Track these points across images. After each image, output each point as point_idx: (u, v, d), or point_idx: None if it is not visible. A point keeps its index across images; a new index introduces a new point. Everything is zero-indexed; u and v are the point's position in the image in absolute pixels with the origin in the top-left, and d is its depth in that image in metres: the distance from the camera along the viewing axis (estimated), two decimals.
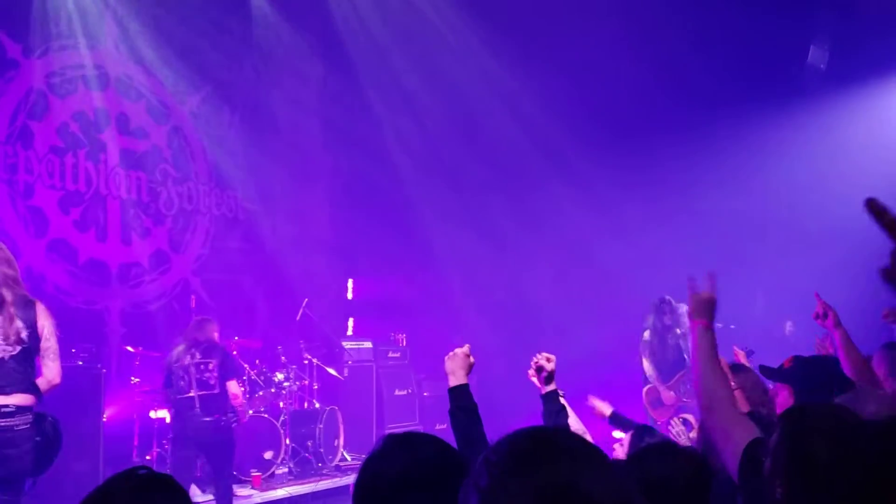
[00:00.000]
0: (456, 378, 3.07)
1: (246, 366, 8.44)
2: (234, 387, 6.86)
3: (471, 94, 10.86)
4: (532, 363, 3.36)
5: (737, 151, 10.28)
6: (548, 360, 3.34)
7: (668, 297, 8.30)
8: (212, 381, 6.73)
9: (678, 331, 8.10)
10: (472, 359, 3.15)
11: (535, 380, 3.36)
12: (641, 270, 10.02)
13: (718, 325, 8.08)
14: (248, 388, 8.16)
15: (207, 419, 6.67)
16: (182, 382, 6.72)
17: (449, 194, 11.42)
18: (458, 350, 3.15)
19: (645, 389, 7.99)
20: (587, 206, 10.75)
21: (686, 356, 7.93)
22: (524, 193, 11.30)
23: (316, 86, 11.14)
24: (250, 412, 7.53)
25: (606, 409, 4.56)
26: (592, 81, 10.26)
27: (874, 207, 1.53)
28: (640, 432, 3.64)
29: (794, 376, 3.37)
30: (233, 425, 6.93)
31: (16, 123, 8.19)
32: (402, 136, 11.26)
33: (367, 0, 10.43)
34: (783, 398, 3.41)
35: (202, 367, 6.74)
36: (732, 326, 9.09)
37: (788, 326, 9.87)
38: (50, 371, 4.86)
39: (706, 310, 2.69)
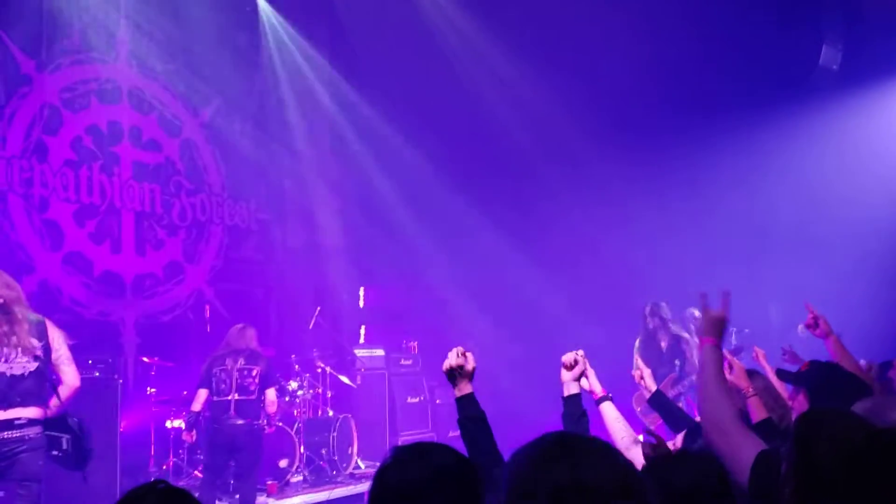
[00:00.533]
0: (459, 388, 2.99)
1: None
2: (272, 394, 7.12)
3: (481, 100, 10.89)
4: (565, 361, 3.33)
5: (747, 153, 10.26)
6: (575, 361, 3.32)
7: (657, 302, 8.32)
8: (252, 388, 6.99)
9: (672, 332, 8.11)
10: (471, 364, 3.00)
11: (569, 379, 3.28)
12: (654, 274, 10.02)
13: (732, 329, 8.08)
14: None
15: (240, 422, 6.91)
16: (223, 385, 6.97)
17: (460, 200, 11.45)
18: (451, 357, 3.00)
19: (635, 395, 8.01)
20: (599, 211, 10.76)
21: (677, 361, 7.95)
22: (536, 198, 11.32)
23: (326, 95, 11.21)
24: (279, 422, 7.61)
25: (652, 384, 4.40)
26: (601, 83, 10.25)
27: None
28: (694, 434, 3.55)
29: (809, 380, 3.39)
30: (265, 431, 7.19)
31: (31, 138, 8.29)
32: (413, 142, 11.30)
33: (375, 8, 10.47)
34: (800, 402, 3.43)
35: (245, 372, 7.00)
36: (747, 330, 9.10)
37: (801, 329, 9.82)
38: (68, 376, 5.12)
39: (716, 328, 2.69)
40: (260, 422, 7.09)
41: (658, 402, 4.31)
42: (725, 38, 9.51)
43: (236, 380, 6.99)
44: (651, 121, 10.41)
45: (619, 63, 9.87)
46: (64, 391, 5.03)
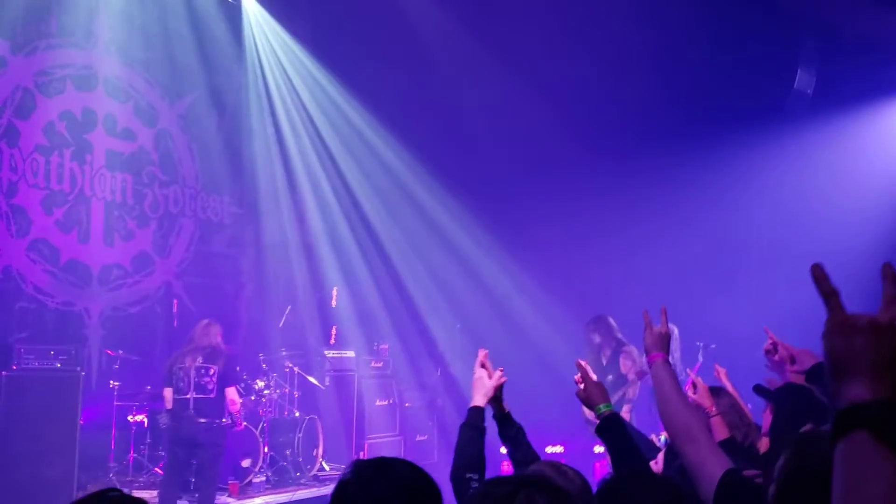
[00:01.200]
0: (474, 400, 3.08)
1: None
2: (232, 393, 7.07)
3: (462, 106, 10.86)
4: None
5: (724, 174, 10.32)
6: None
7: (602, 315, 8.26)
8: (210, 386, 6.92)
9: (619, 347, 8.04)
10: (494, 380, 3.09)
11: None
12: (628, 291, 10.04)
13: (699, 344, 8.07)
14: None
15: (201, 420, 6.87)
16: (181, 384, 6.93)
17: (435, 202, 11.42)
18: (482, 374, 3.11)
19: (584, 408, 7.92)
20: (573, 227, 10.79)
21: (629, 375, 7.92)
22: (511, 204, 11.31)
23: (306, 90, 11.09)
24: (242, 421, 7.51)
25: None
26: (578, 102, 10.28)
27: (817, 273, 1.52)
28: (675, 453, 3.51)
29: (781, 400, 3.42)
30: (226, 430, 7.12)
31: (1, 121, 8.11)
32: (391, 141, 11.24)
33: (358, 5, 10.38)
34: (768, 418, 3.46)
35: (202, 371, 6.93)
36: (713, 346, 9.13)
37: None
38: None
39: (663, 343, 2.72)
40: (223, 420, 7.01)
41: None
42: (702, 61, 9.57)
43: (193, 378, 6.94)
44: (628, 141, 10.50)
45: (597, 84, 9.90)
46: None
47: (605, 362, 8.07)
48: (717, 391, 3.93)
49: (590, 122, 10.42)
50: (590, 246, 10.82)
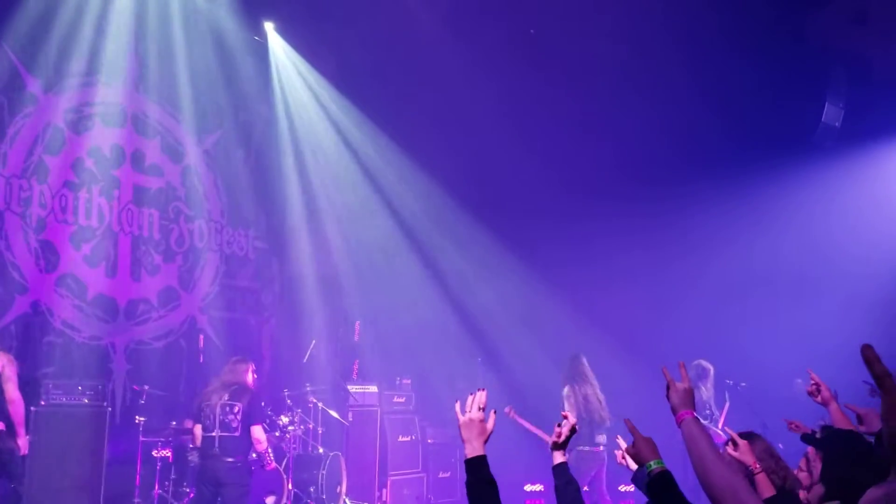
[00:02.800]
0: (472, 448, 2.78)
1: None
2: (257, 432, 6.99)
3: (484, 143, 10.91)
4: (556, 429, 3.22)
5: (751, 206, 10.31)
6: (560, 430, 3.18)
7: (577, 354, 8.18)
8: (234, 424, 6.89)
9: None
10: (490, 424, 2.86)
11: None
12: (653, 323, 10.00)
13: (728, 382, 8.04)
14: None
15: (226, 460, 6.85)
16: (208, 422, 6.94)
17: (457, 239, 11.43)
18: (472, 414, 2.85)
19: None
20: (599, 262, 10.76)
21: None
22: (535, 242, 11.30)
23: (331, 126, 11.19)
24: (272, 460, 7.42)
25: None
26: (608, 139, 10.36)
27: (867, 355, 1.47)
28: None
29: (830, 446, 3.34)
30: (252, 468, 7.08)
31: (32, 158, 8.22)
32: (415, 178, 11.30)
33: (382, 42, 10.49)
34: (817, 466, 3.37)
35: (227, 408, 6.90)
36: (743, 384, 9.03)
37: (798, 385, 9.75)
38: None
39: (688, 400, 2.59)
40: (246, 459, 6.99)
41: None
42: (732, 93, 9.60)
43: (219, 416, 6.91)
44: (657, 171, 10.48)
45: (627, 120, 9.96)
46: None
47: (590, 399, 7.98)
48: (749, 437, 3.85)
49: (619, 151, 10.45)
50: (614, 276, 10.78)
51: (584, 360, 8.12)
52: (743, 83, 9.56)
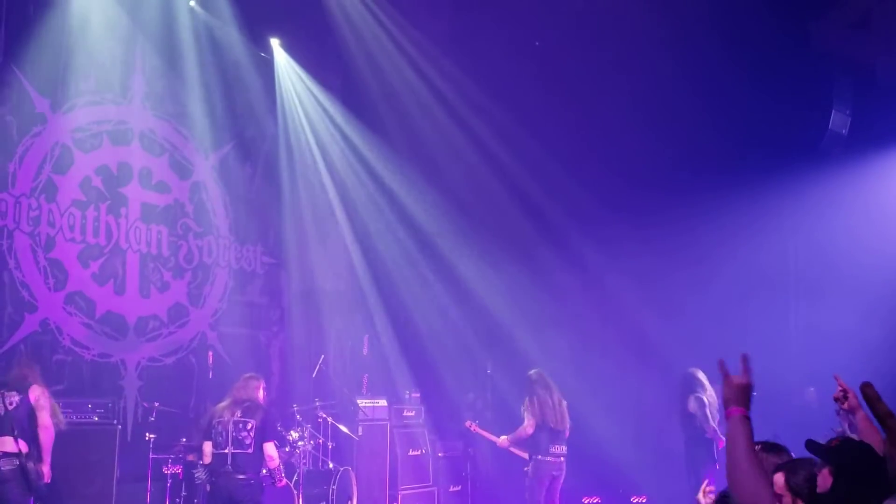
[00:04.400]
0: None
1: None
2: (270, 449, 6.98)
3: (488, 154, 10.96)
4: None
5: (758, 213, 10.30)
6: None
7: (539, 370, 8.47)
8: (247, 441, 6.88)
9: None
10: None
11: None
12: (661, 328, 10.02)
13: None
14: None
15: (239, 477, 6.85)
16: (220, 438, 6.92)
17: (465, 251, 11.44)
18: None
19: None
20: (612, 269, 10.76)
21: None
22: (546, 251, 11.29)
23: (337, 141, 11.23)
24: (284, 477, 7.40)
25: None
26: (615, 147, 10.38)
27: (868, 394, 1.43)
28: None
29: (840, 458, 3.23)
30: (264, 485, 7.06)
31: (40, 177, 8.26)
32: (420, 191, 11.33)
33: (386, 55, 10.55)
34: (824, 477, 3.28)
35: (241, 425, 6.88)
36: (754, 393, 8.96)
37: (811, 393, 9.70)
38: None
39: (743, 396, 2.43)
40: (258, 476, 6.97)
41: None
42: (737, 103, 9.61)
43: (231, 433, 6.89)
44: (663, 178, 10.47)
45: (635, 127, 9.98)
46: None
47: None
48: (773, 447, 3.75)
49: (629, 167, 10.49)
50: (624, 281, 10.79)
51: (544, 373, 8.43)
52: (750, 92, 9.58)
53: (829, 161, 9.96)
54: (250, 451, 6.87)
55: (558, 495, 8.25)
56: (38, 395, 6.40)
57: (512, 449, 8.61)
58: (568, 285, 11.27)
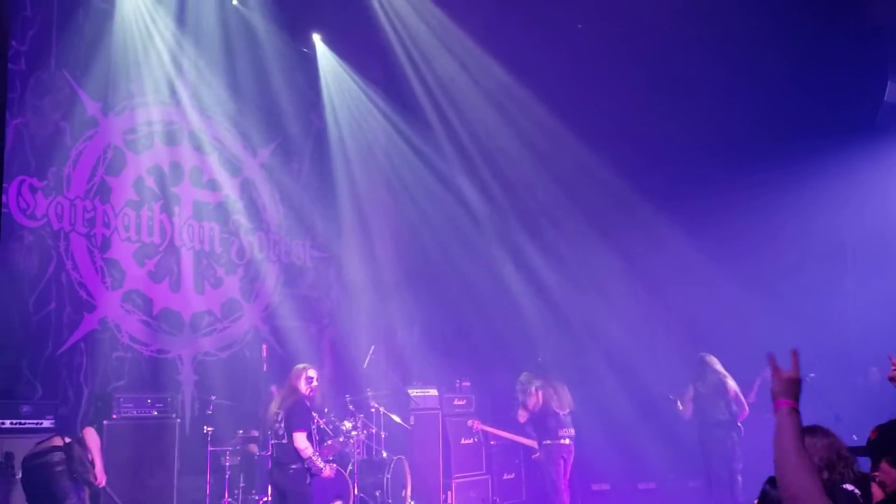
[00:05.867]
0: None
1: (315, 414, 8.44)
2: (298, 440, 6.93)
3: (531, 144, 10.93)
4: None
5: (814, 188, 10.11)
6: None
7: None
8: (280, 431, 6.98)
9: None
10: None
11: None
12: (720, 313, 9.94)
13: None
14: (317, 437, 8.15)
15: (280, 467, 6.95)
16: (266, 430, 7.09)
17: (514, 238, 11.42)
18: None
19: None
20: (658, 253, 10.64)
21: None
22: (591, 240, 11.22)
23: (382, 132, 11.30)
24: (324, 465, 7.29)
25: None
26: (665, 130, 10.28)
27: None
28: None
29: (886, 446, 3.14)
30: (306, 475, 7.04)
31: (94, 179, 8.48)
32: (467, 178, 11.33)
33: (430, 51, 10.57)
34: (886, 472, 3.19)
35: (276, 416, 6.99)
36: (812, 375, 8.81)
37: (874, 373, 9.46)
38: None
39: (793, 389, 2.45)
40: (297, 465, 6.96)
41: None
42: (789, 80, 9.43)
43: (271, 424, 7.01)
44: (716, 158, 10.35)
45: (689, 100, 9.85)
46: None
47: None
48: (813, 430, 3.69)
49: (677, 137, 10.39)
50: (676, 266, 10.68)
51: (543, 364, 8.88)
52: (803, 66, 9.39)
53: (886, 132, 9.71)
54: (284, 440, 6.92)
55: (568, 478, 8.42)
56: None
57: (518, 438, 9.16)
58: (615, 268, 11.16)
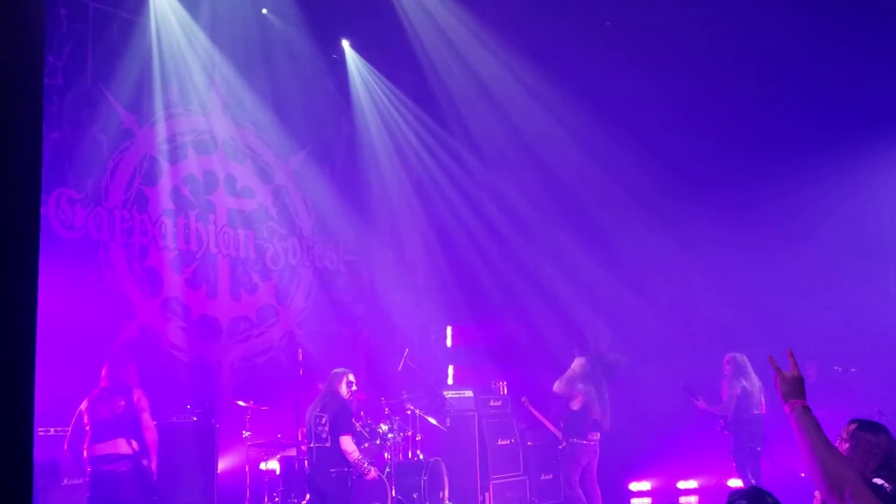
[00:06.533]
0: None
1: None
2: (345, 443, 7.01)
3: (556, 146, 10.94)
4: None
5: (855, 179, 10.01)
6: None
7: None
8: (323, 435, 6.98)
9: None
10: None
11: None
12: (763, 306, 9.91)
13: (837, 369, 7.92)
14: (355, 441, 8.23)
15: (323, 470, 6.99)
16: (307, 433, 7.13)
17: (544, 240, 11.41)
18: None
19: None
20: (685, 252, 10.60)
21: None
22: (620, 243, 11.18)
23: (412, 136, 11.36)
24: (369, 468, 7.40)
25: None
26: (692, 120, 10.22)
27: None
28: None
29: None
30: (348, 479, 7.09)
31: (131, 190, 8.64)
32: (498, 183, 11.36)
33: (458, 53, 10.60)
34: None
35: (317, 419, 7.00)
36: (853, 370, 8.72)
37: None
38: None
39: (799, 387, 2.55)
40: (339, 469, 7.02)
41: None
42: (830, 76, 9.34)
43: (312, 428, 7.05)
44: (758, 149, 10.29)
45: (732, 90, 9.80)
46: None
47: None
48: (872, 427, 3.63)
49: (718, 129, 10.35)
50: (701, 269, 10.61)
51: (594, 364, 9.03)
52: (846, 58, 9.30)
53: None
54: (327, 444, 6.97)
55: (595, 475, 8.73)
56: (139, 396, 6.68)
57: (551, 427, 9.54)
58: (654, 263, 11.11)
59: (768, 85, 9.78)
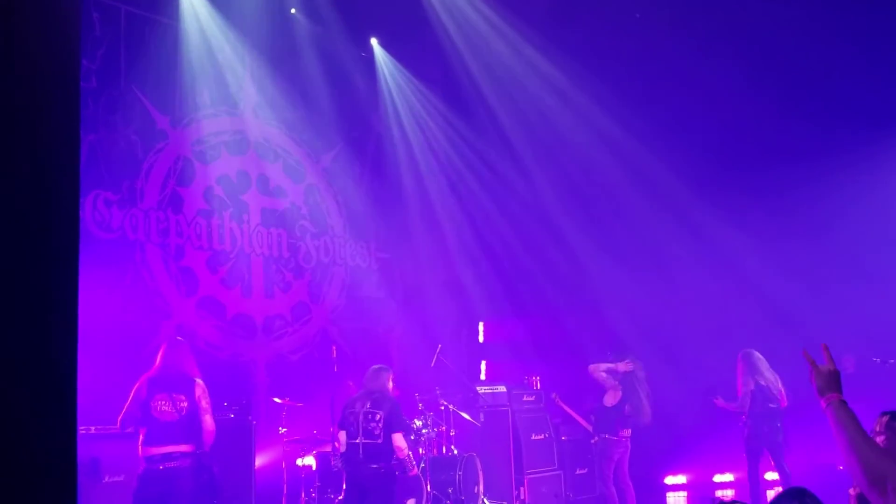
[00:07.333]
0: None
1: None
2: (398, 440, 7.04)
3: (584, 140, 10.89)
4: None
5: (868, 179, 9.88)
6: None
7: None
8: (376, 432, 7.00)
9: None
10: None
11: None
12: (793, 300, 9.80)
13: (876, 360, 7.81)
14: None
15: (370, 467, 6.99)
16: (352, 429, 7.08)
17: (574, 237, 11.36)
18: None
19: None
20: (700, 246, 10.55)
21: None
22: (650, 239, 11.11)
23: (441, 134, 11.37)
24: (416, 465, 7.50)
25: None
26: (709, 110, 10.15)
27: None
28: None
29: None
30: (396, 474, 7.17)
31: (166, 190, 8.75)
32: (527, 179, 11.33)
33: (487, 50, 10.59)
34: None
35: (369, 416, 7.02)
36: (892, 361, 8.60)
37: None
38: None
39: (834, 383, 2.52)
40: (389, 465, 7.07)
41: None
42: (840, 77, 9.22)
43: (362, 423, 7.06)
44: (769, 150, 10.20)
45: (743, 91, 9.71)
46: None
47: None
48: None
49: (716, 134, 10.27)
50: (751, 249, 10.54)
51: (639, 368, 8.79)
52: (857, 58, 9.18)
53: None
54: (380, 441, 7.00)
55: (626, 469, 8.69)
56: (200, 394, 6.48)
57: (581, 420, 9.60)
58: (684, 258, 11.02)
59: (797, 75, 9.66)
